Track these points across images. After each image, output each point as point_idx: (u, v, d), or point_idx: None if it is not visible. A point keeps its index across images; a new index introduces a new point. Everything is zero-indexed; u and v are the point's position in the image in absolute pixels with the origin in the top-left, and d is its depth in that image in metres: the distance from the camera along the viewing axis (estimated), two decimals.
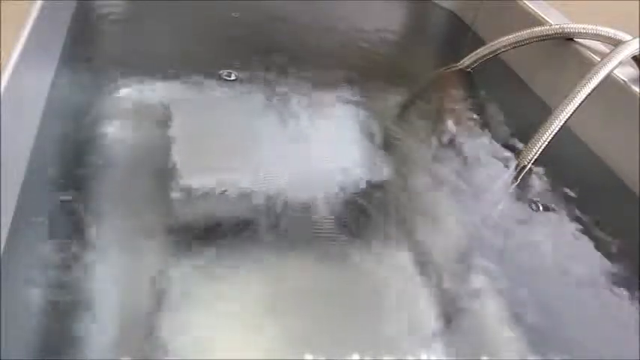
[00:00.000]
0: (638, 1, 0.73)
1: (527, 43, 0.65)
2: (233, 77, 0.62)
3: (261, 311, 0.39)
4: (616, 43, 0.59)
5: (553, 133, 0.54)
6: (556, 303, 0.43)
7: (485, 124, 0.63)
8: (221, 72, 0.62)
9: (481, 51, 0.69)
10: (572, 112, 0.54)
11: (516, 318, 0.41)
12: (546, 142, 0.54)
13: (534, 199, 0.52)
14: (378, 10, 0.86)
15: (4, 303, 0.35)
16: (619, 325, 0.43)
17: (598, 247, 0.48)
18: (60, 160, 0.48)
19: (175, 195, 0.46)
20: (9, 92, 0.41)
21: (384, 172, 0.53)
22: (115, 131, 0.52)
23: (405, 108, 0.66)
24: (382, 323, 0.39)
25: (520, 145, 0.57)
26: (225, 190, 0.47)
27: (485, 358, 0.38)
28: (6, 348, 0.33)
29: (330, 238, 0.45)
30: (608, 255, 0.47)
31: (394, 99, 0.67)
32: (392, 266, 0.44)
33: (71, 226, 0.42)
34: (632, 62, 0.59)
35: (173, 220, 0.45)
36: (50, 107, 0.51)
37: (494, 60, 0.69)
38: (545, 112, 0.56)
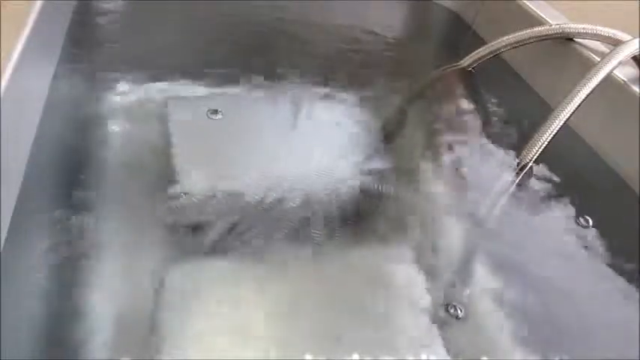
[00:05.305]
0: (638, 1, 0.73)
1: (528, 43, 0.65)
2: (232, 77, 0.62)
3: (262, 311, 0.39)
4: (616, 43, 0.59)
5: (554, 133, 0.54)
6: (555, 301, 0.43)
7: (486, 123, 0.63)
8: (221, 72, 0.62)
9: (481, 50, 0.69)
10: (573, 112, 0.54)
11: (516, 317, 0.41)
12: (547, 141, 0.54)
13: (535, 197, 0.52)
14: (378, 9, 0.86)
15: (3, 302, 0.35)
16: (618, 325, 0.43)
17: (598, 246, 0.48)
18: (59, 160, 0.48)
19: (175, 196, 0.46)
20: (9, 92, 0.41)
21: (385, 170, 0.53)
22: (114, 131, 0.52)
23: (406, 107, 0.66)
24: (383, 323, 0.39)
25: (521, 144, 0.57)
26: (226, 192, 0.47)
27: (485, 358, 0.38)
28: (6, 348, 0.33)
29: (330, 238, 0.45)
30: (608, 254, 0.47)
31: (395, 98, 0.67)
32: (392, 266, 0.44)
33: (71, 226, 0.42)
34: (632, 62, 0.59)
35: (173, 220, 0.45)
36: (50, 107, 0.51)
37: (495, 59, 0.69)
38: (546, 112, 0.56)
